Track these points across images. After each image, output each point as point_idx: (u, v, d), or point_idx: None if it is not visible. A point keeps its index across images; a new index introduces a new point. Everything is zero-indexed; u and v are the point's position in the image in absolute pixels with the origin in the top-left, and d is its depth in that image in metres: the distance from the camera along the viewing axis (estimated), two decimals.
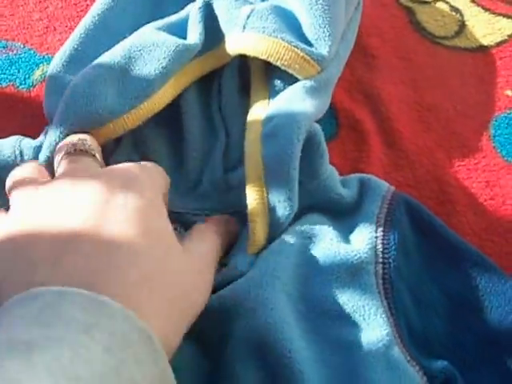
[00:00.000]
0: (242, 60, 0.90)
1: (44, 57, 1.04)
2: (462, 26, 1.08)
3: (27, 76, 1.02)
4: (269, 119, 0.79)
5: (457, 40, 1.07)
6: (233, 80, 0.91)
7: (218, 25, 0.85)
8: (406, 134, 0.97)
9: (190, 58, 0.82)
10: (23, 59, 1.04)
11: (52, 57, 1.02)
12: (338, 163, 0.92)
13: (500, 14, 1.10)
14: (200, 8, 0.84)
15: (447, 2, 1.11)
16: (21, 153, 0.84)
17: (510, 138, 0.98)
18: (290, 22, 0.84)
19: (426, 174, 0.94)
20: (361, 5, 0.97)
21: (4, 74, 1.02)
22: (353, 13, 0.94)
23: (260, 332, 0.70)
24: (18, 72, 1.02)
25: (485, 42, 1.07)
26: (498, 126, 0.99)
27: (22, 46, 1.05)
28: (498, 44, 1.06)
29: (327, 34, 0.83)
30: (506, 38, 1.07)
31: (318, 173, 0.80)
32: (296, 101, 0.80)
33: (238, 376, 0.69)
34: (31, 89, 1.01)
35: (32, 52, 1.04)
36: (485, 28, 1.08)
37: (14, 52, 1.04)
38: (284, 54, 0.81)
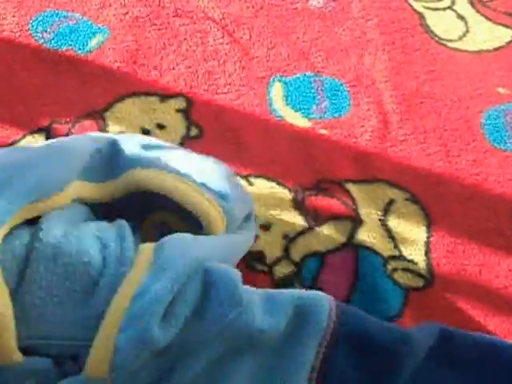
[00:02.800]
0: None
1: (100, 28, 1.27)
2: (466, 31, 1.31)
3: (85, 43, 1.25)
4: None
5: (460, 43, 1.30)
6: None
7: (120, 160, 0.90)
8: (406, 116, 1.19)
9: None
10: (81, 28, 1.27)
11: (107, 28, 1.26)
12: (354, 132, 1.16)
13: (500, 24, 1.33)
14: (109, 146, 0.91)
15: (454, 10, 1.34)
16: None
17: (497, 127, 1.20)
18: None
19: (422, 149, 1.16)
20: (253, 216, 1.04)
21: (65, 39, 1.25)
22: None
23: None
24: (77, 39, 1.25)
25: (484, 46, 1.29)
26: (488, 117, 1.21)
27: (80, 17, 1.28)
28: (496, 49, 1.29)
29: None
30: (504, 44, 1.30)
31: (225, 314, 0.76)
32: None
33: None
34: (88, 54, 1.24)
35: (89, 23, 1.28)
36: (486, 35, 1.31)
37: (74, 22, 1.28)
38: None
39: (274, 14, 1.30)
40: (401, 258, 1.06)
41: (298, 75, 1.23)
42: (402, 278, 1.05)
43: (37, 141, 1.14)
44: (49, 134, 1.15)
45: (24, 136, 1.14)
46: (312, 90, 1.22)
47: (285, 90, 1.21)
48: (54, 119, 1.16)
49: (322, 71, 1.24)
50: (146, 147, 0.91)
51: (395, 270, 1.05)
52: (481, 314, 1.03)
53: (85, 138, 0.96)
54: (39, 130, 1.15)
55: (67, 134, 1.14)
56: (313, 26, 1.29)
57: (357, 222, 1.08)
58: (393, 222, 1.09)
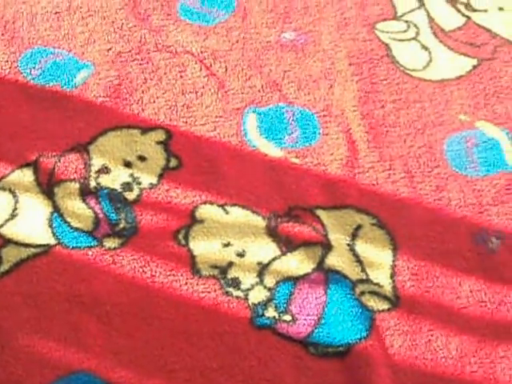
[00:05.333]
0: None
1: (85, 63, 1.27)
2: (430, 61, 1.31)
3: (71, 79, 1.24)
4: None
5: (423, 72, 1.30)
6: None
7: None
8: (373, 144, 1.19)
9: None
10: (67, 64, 1.26)
11: (92, 64, 1.26)
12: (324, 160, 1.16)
13: (462, 54, 1.33)
14: None
15: (419, 41, 1.34)
16: None
17: (460, 153, 1.20)
18: None
19: (388, 176, 1.16)
20: None
21: (51, 75, 1.25)
22: None
23: None
24: (63, 75, 1.25)
25: (446, 75, 1.30)
26: (450, 143, 1.21)
27: (66, 54, 1.28)
28: (458, 77, 1.29)
29: None
30: (465, 73, 1.30)
31: None
32: None
33: None
34: (73, 89, 1.23)
35: (75, 59, 1.27)
36: (448, 64, 1.31)
37: (60, 58, 1.27)
38: None
39: (249, 47, 1.30)
40: (368, 281, 1.06)
41: (271, 106, 1.23)
42: (369, 300, 1.05)
43: (25, 175, 1.14)
44: (36, 168, 1.14)
45: (13, 171, 1.14)
46: (284, 121, 1.21)
47: (259, 120, 1.21)
48: (41, 154, 1.16)
49: (294, 102, 1.24)
50: None
51: (363, 293, 1.05)
52: (443, 334, 1.03)
53: None
54: (27, 165, 1.15)
55: (53, 168, 1.14)
56: (285, 58, 1.29)
57: (326, 247, 1.08)
58: (360, 247, 1.09)
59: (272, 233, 1.10)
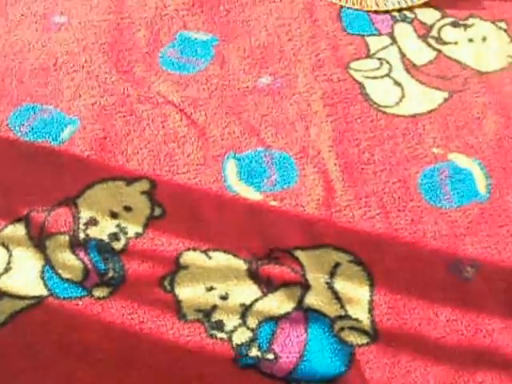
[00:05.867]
0: None
1: (71, 118, 1.32)
2: (402, 96, 1.36)
3: (58, 134, 1.30)
4: None
5: (396, 108, 1.34)
6: None
7: None
8: (349, 183, 1.24)
9: None
10: (55, 120, 1.32)
11: (78, 118, 1.31)
12: (302, 201, 1.20)
13: (434, 87, 1.37)
14: None
15: (392, 77, 1.39)
16: None
17: (433, 186, 1.24)
18: None
19: (363, 213, 1.20)
20: None
21: (40, 132, 1.31)
22: None
23: None
24: (51, 131, 1.30)
25: (418, 110, 1.34)
26: (424, 177, 1.25)
27: (53, 109, 1.34)
28: (429, 111, 1.34)
29: None
30: (436, 106, 1.35)
31: None
32: None
33: None
34: (61, 144, 1.29)
35: (62, 114, 1.33)
36: (420, 98, 1.36)
37: (48, 114, 1.33)
38: None
39: (228, 94, 1.35)
40: (346, 317, 1.11)
41: (249, 151, 1.28)
42: (348, 336, 1.09)
43: (17, 230, 1.19)
44: (28, 222, 1.20)
45: (6, 226, 1.19)
46: (263, 165, 1.26)
47: (238, 166, 1.26)
48: (31, 208, 1.21)
49: (272, 145, 1.29)
50: None
51: (342, 329, 1.09)
52: (421, 365, 1.07)
53: None
54: (19, 220, 1.20)
55: (44, 222, 1.19)
56: (263, 102, 1.34)
57: (305, 287, 1.13)
58: (339, 284, 1.13)
59: (253, 275, 1.14)
